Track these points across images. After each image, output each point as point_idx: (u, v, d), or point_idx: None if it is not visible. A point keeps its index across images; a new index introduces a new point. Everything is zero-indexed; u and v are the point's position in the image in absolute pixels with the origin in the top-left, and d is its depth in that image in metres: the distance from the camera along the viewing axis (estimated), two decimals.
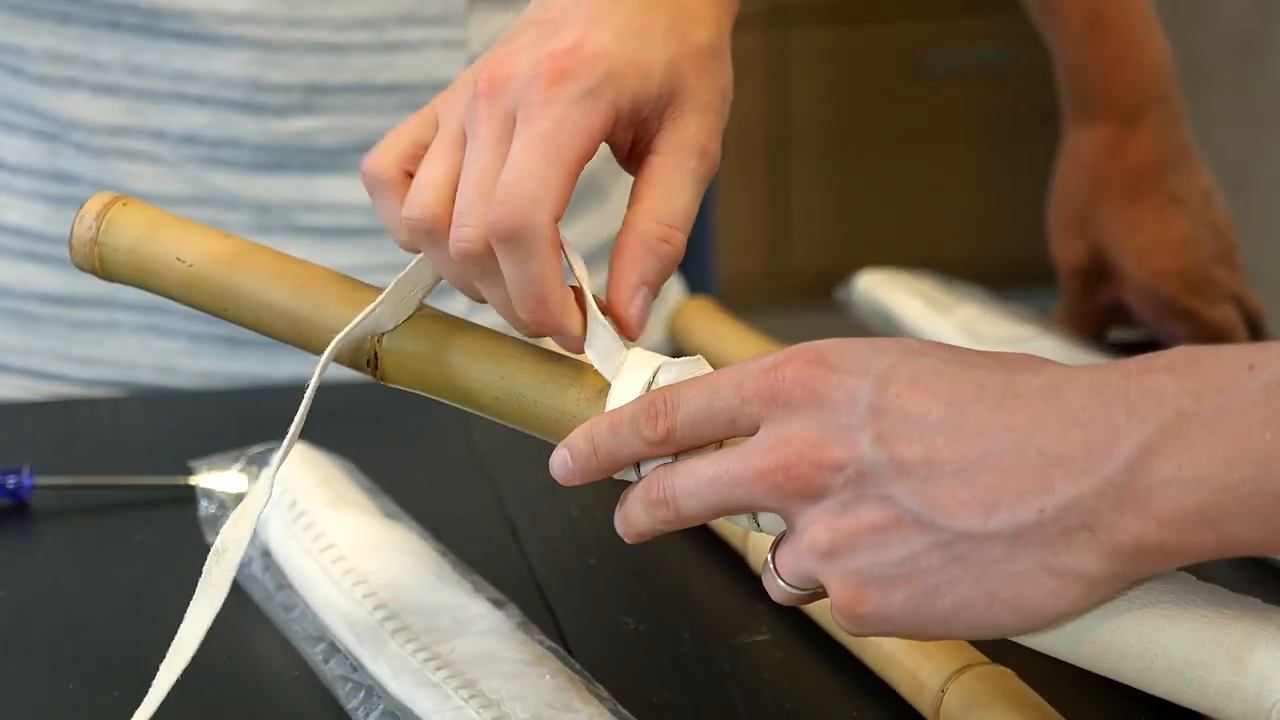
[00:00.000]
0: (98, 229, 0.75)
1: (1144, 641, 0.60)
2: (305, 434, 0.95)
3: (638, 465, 0.67)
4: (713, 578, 0.88)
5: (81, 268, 0.76)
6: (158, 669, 0.80)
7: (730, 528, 0.89)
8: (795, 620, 0.83)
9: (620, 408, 0.67)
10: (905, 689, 0.75)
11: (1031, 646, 0.62)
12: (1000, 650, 0.75)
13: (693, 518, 0.65)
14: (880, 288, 1.21)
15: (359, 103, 1.10)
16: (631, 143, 0.73)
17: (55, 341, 1.14)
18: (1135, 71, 1.18)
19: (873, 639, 0.77)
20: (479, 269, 0.69)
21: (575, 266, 0.70)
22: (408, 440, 1.07)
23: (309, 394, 0.70)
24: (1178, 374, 0.58)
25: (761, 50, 3.14)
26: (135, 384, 1.14)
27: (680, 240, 0.70)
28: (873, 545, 0.61)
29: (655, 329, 1.24)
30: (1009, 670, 0.73)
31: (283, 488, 0.89)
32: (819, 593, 0.64)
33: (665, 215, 0.70)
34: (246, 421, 1.07)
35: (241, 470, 0.92)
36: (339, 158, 1.11)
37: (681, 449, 0.65)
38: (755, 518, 0.65)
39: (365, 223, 1.12)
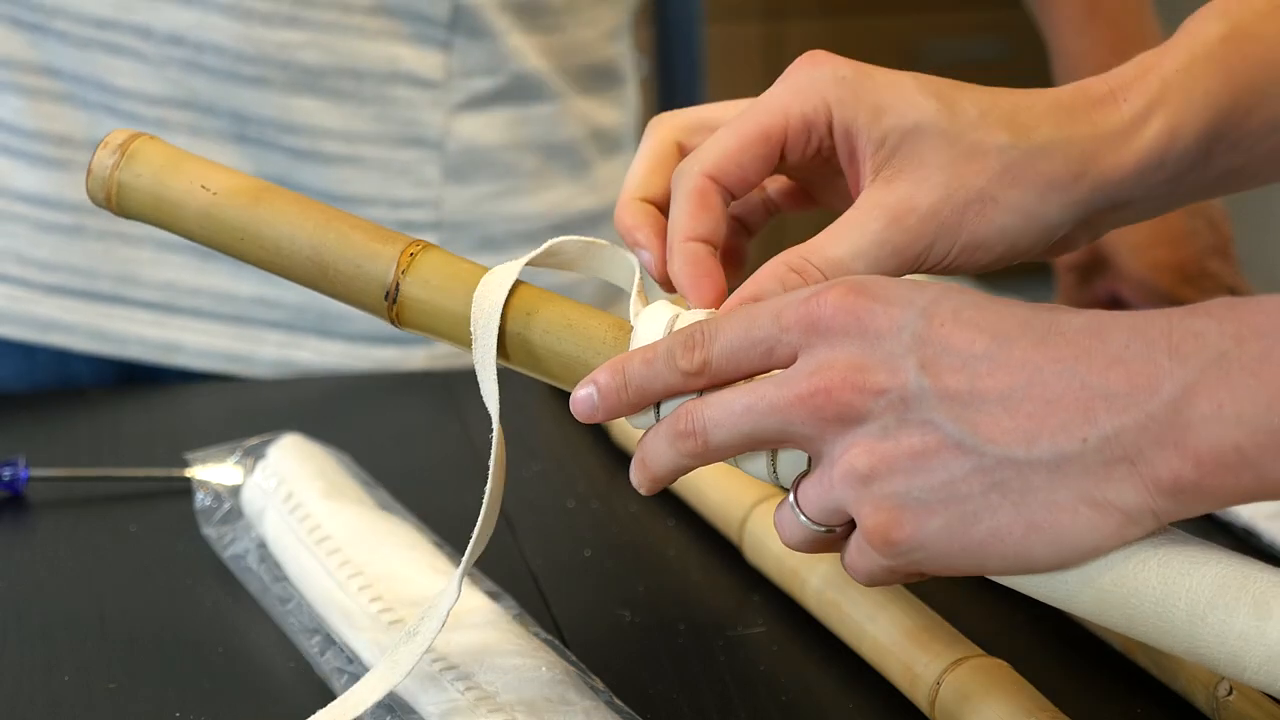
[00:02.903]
0: (121, 156, 0.76)
1: (1167, 584, 0.60)
2: (299, 426, 0.95)
3: (658, 408, 0.67)
4: (708, 570, 0.88)
5: (94, 198, 0.77)
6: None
7: (727, 520, 0.89)
8: (791, 613, 0.83)
9: (654, 342, 0.67)
10: (901, 681, 0.75)
11: (1047, 589, 0.62)
12: (995, 642, 0.75)
13: (720, 449, 0.65)
14: None
15: (342, 21, 1.11)
16: (850, 169, 0.72)
17: (18, 243, 1.14)
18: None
19: (868, 631, 0.77)
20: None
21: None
22: (403, 432, 1.07)
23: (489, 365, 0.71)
24: (1219, 319, 0.59)
25: (758, 42, 3.14)
26: (92, 293, 1.14)
27: (815, 278, 0.70)
28: (912, 469, 0.61)
29: None
30: (1003, 662, 0.73)
31: (279, 479, 0.89)
32: (835, 535, 0.64)
33: (813, 254, 0.70)
34: (242, 414, 1.07)
35: (237, 463, 0.92)
36: (319, 79, 1.12)
37: (714, 382, 0.66)
38: (774, 461, 0.66)
39: (338, 149, 1.13)
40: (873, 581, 0.64)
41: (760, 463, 0.66)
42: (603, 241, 0.73)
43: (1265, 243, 2.75)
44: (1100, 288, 1.19)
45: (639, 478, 0.68)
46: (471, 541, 0.71)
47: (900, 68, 0.71)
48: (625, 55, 1.26)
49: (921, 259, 0.70)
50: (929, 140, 0.70)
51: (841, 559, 0.65)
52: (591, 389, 0.67)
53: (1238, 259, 1.19)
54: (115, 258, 1.14)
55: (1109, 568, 0.61)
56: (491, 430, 0.71)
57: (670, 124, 0.75)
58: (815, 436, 0.63)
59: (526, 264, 0.72)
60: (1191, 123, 0.71)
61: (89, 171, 0.76)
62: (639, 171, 0.74)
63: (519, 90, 1.17)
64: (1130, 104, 0.71)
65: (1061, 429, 0.60)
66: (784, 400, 0.63)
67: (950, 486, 0.61)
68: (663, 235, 0.72)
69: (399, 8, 1.12)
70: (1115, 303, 1.19)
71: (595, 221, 1.23)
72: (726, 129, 0.71)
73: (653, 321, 0.68)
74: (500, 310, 0.70)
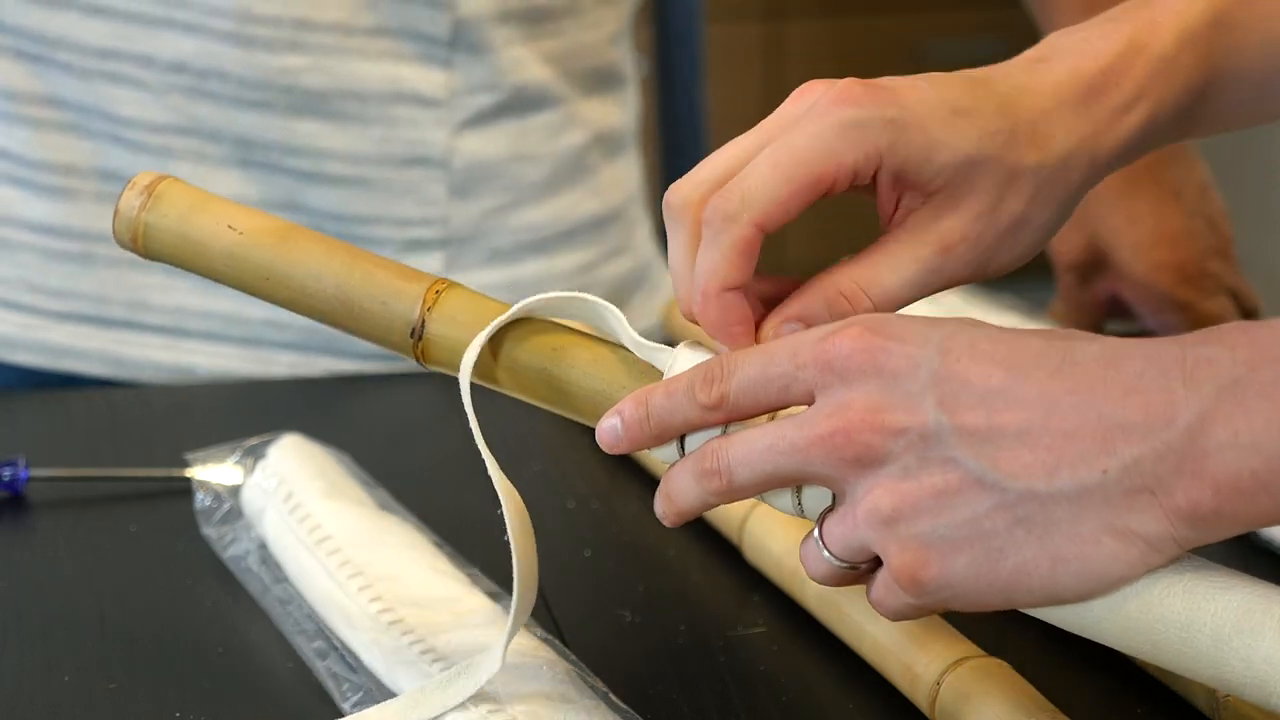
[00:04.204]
0: (147, 198, 0.76)
1: (1192, 609, 0.60)
2: (300, 426, 0.95)
3: (682, 441, 0.67)
4: (709, 570, 0.88)
5: (121, 240, 0.76)
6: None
7: (727, 520, 0.89)
8: (791, 613, 0.83)
9: (676, 375, 0.67)
10: (901, 681, 0.75)
11: (1073, 617, 0.62)
12: (996, 643, 0.75)
13: (744, 488, 0.65)
14: None
15: (344, 44, 1.11)
16: (895, 209, 0.71)
17: (29, 272, 1.14)
18: None
19: (868, 631, 0.77)
20: (683, 235, 0.70)
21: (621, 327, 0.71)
22: (403, 432, 1.07)
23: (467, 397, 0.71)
24: (1231, 345, 0.59)
25: (758, 42, 3.15)
26: (104, 319, 1.14)
27: (865, 306, 0.69)
28: (936, 509, 0.61)
29: (649, 320, 1.25)
30: (1004, 662, 0.73)
31: (279, 479, 0.89)
32: (860, 571, 0.64)
33: (866, 280, 0.69)
34: (242, 414, 1.07)
35: (237, 463, 0.92)
36: (322, 101, 1.12)
37: (733, 417, 0.66)
38: (799, 496, 0.66)
39: (343, 170, 1.13)
40: (900, 618, 0.64)
41: (786, 498, 0.66)
42: (585, 295, 0.71)
43: (1265, 243, 2.75)
44: (1100, 288, 1.19)
45: (664, 510, 0.68)
46: (511, 615, 0.71)
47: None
48: (626, 57, 1.26)
49: (959, 281, 0.71)
50: (977, 170, 0.69)
51: (868, 594, 0.65)
52: (616, 420, 0.68)
53: (1238, 259, 1.19)
54: (126, 284, 1.14)
55: (1134, 595, 0.60)
56: (499, 443, 0.71)
57: (698, 197, 0.70)
58: (837, 477, 0.63)
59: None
60: (1168, 110, 0.73)
61: (115, 213, 0.76)
62: (688, 260, 0.70)
63: (521, 103, 1.17)
64: (1121, 91, 0.72)
65: (1081, 461, 0.60)
66: (804, 441, 0.63)
67: (974, 524, 0.61)
68: (752, 332, 0.70)
69: (400, 28, 1.12)
70: (1115, 303, 1.19)
71: (601, 225, 1.23)
72: (772, 170, 0.68)
73: (683, 358, 0.69)
74: (469, 387, 0.70)
